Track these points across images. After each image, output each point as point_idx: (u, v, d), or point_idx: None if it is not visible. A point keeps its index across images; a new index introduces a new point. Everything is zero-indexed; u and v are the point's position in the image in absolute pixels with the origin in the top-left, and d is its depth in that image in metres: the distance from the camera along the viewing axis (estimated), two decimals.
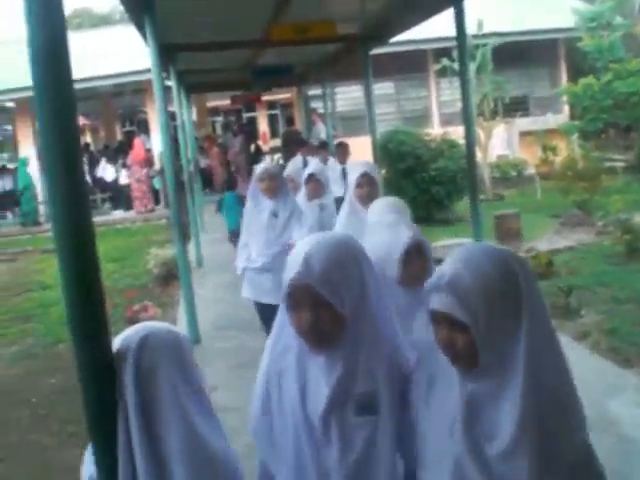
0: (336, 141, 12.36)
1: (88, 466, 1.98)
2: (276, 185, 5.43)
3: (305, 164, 9.95)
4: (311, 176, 6.32)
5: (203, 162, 20.10)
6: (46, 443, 5.63)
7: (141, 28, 7.01)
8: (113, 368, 1.86)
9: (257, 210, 5.52)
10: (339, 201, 8.55)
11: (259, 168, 5.51)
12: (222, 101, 24.36)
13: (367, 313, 1.93)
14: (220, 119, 27.89)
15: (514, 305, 1.61)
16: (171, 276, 9.66)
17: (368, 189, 4.69)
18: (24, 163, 19.79)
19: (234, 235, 12.88)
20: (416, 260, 2.91)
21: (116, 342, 1.93)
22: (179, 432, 1.83)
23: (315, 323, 1.85)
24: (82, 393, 1.89)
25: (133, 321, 6.82)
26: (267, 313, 5.05)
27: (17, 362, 7.85)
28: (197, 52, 9.76)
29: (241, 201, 11.06)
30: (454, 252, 1.73)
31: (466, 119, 6.87)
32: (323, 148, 11.31)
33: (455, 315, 1.62)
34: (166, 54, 8.65)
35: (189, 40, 9.05)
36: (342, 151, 10.17)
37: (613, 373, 5.44)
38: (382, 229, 3.16)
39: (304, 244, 1.92)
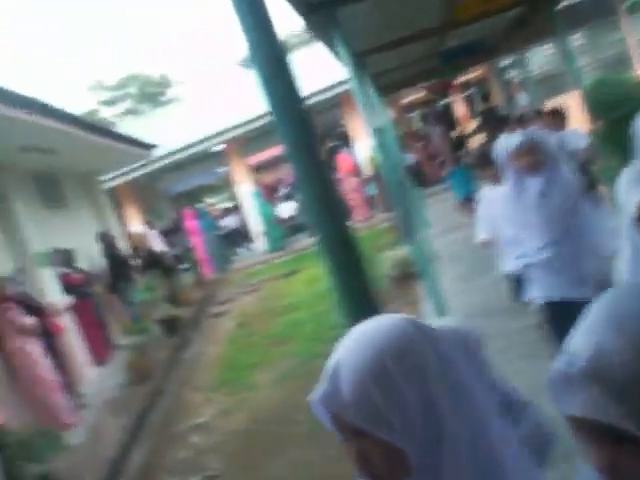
0: (547, 108, 11.63)
1: None
2: (540, 158, 4.44)
3: None
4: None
5: (410, 159, 20.18)
6: (318, 459, 5.86)
7: (330, 43, 7.16)
8: None
9: (518, 195, 4.53)
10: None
11: (512, 142, 4.58)
12: (414, 95, 24.38)
13: (444, 436, 1.27)
14: (415, 114, 27.86)
15: None
16: (407, 276, 9.76)
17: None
18: (259, 195, 21.04)
19: (466, 201, 12.99)
20: None
21: None
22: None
23: (361, 459, 1.31)
24: None
25: None
26: (559, 312, 4.35)
27: (281, 382, 8.27)
28: (385, 52, 9.80)
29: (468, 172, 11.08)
30: (588, 308, 1.05)
31: None
32: (522, 121, 10.68)
33: (612, 423, 0.94)
34: (357, 62, 8.78)
35: (374, 44, 9.12)
36: (559, 119, 8.79)
37: None
38: None
39: (342, 342, 1.36)
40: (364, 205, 19.96)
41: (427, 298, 7.34)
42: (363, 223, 19.40)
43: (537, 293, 4.56)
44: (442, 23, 9.10)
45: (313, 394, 1.30)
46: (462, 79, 23.76)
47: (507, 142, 4.69)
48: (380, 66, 11.32)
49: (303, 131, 1.87)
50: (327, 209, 1.88)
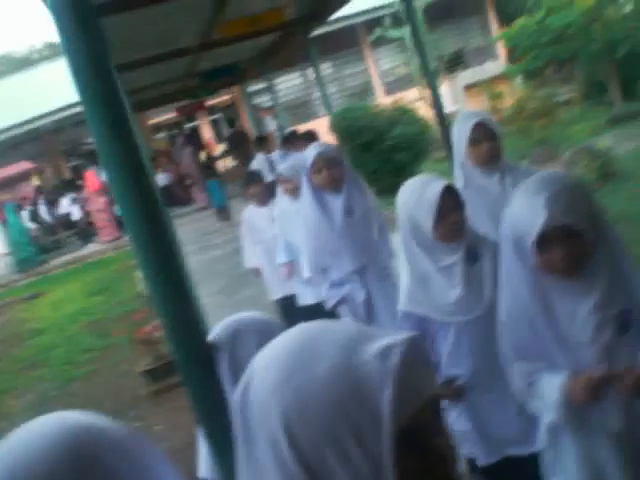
0: (300, 131, 11.97)
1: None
2: (340, 173, 4.10)
3: (270, 162, 9.76)
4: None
5: (162, 179, 19.84)
6: None
7: None
8: (214, 361, 1.92)
9: (321, 214, 4.11)
10: None
11: (309, 156, 4.15)
12: (162, 116, 24.19)
13: None
14: (162, 135, 27.63)
15: None
16: None
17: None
18: (12, 209, 18.91)
19: (221, 210, 14.03)
20: (452, 211, 2.57)
21: (211, 334, 1.95)
22: None
23: None
24: (188, 389, 1.94)
25: (146, 342, 6.83)
26: None
27: (37, 408, 7.78)
28: (140, 69, 9.63)
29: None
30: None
31: (427, 78, 6.85)
32: (264, 141, 10.99)
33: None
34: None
35: (130, 59, 8.92)
36: (310, 141, 9.08)
37: None
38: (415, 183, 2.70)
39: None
40: (112, 225, 19.32)
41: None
42: (111, 243, 18.82)
43: None
44: (200, 43, 9.15)
45: None
46: (210, 103, 24.00)
47: (302, 158, 4.44)
48: (132, 83, 11.11)
49: (119, 129, 1.84)
50: (141, 206, 1.85)
